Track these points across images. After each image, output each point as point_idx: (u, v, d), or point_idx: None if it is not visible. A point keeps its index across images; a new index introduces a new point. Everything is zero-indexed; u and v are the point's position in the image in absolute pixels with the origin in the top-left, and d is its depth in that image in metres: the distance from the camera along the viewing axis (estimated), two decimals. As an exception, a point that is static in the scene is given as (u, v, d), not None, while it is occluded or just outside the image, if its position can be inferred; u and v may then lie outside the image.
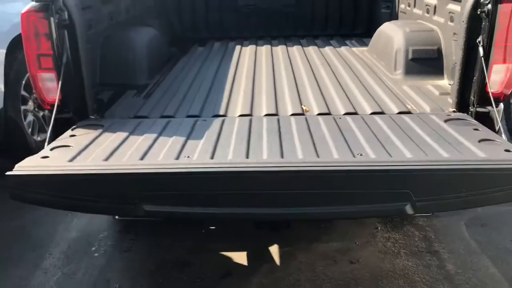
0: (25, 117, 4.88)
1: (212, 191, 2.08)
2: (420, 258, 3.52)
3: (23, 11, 2.63)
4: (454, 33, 3.28)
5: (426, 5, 3.93)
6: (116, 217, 2.74)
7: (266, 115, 2.88)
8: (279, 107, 3.00)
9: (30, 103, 5.02)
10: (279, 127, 2.61)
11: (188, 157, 2.21)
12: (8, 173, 2.08)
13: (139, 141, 2.43)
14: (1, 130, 4.45)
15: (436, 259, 3.48)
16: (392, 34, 3.77)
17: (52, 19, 2.59)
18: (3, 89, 4.43)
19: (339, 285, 3.26)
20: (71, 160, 2.19)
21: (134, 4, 4.36)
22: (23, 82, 4.82)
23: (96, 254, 3.62)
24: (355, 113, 2.87)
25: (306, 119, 2.75)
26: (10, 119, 4.56)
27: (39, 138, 5.08)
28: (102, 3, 3.54)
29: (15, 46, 4.63)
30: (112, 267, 3.48)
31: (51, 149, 2.34)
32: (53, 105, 2.74)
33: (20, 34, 4.64)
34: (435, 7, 3.76)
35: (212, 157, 2.20)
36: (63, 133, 2.65)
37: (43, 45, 2.64)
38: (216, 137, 2.48)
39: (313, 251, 3.62)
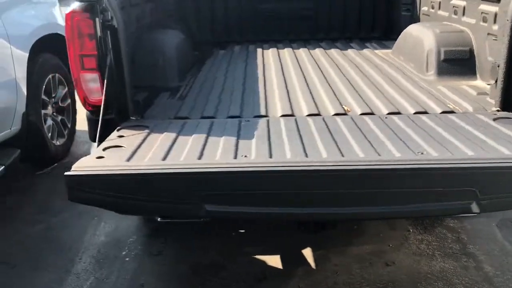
0: (45, 121, 4.84)
1: (273, 190, 2.05)
2: (456, 260, 3.49)
3: (67, 12, 2.60)
4: (489, 34, 3.28)
5: (454, 6, 3.93)
6: (159, 219, 2.68)
7: (309, 115, 2.85)
8: (319, 107, 2.98)
9: (49, 107, 4.98)
10: (327, 126, 2.58)
11: (246, 156, 2.17)
12: (67, 173, 2.03)
13: (190, 141, 2.39)
14: (24, 135, 4.40)
15: (473, 261, 3.45)
16: (422, 36, 3.76)
17: (97, 19, 2.56)
18: (25, 93, 4.38)
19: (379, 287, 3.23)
20: (128, 160, 2.15)
21: (157, 8, 4.34)
22: (43, 86, 4.78)
23: (127, 259, 3.57)
24: (399, 113, 2.85)
25: (352, 119, 2.73)
26: (32, 123, 4.52)
27: (58, 143, 5.04)
28: (131, 5, 3.52)
29: (36, 49, 4.59)
30: (145, 271, 3.43)
31: (104, 150, 2.30)
32: (95, 106, 2.71)
33: (41, 38, 4.70)
34: (464, 8, 3.76)
35: (270, 156, 2.17)
36: (105, 134, 2.61)
37: (87, 45, 2.61)
38: (267, 136, 2.45)
39: (347, 254, 3.59)
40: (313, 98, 3.15)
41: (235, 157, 2.16)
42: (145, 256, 3.60)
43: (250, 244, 3.70)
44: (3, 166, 4.00)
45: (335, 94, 3.23)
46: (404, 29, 4.61)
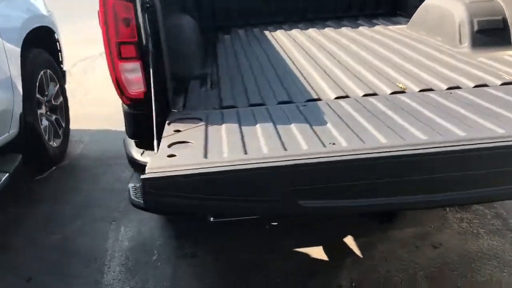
0: (41, 121, 4.47)
1: (377, 179, 1.84)
2: (502, 236, 3.40)
3: (100, -5, 2.30)
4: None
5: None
6: (211, 219, 2.44)
7: (366, 95, 2.66)
8: (371, 87, 2.78)
9: (43, 106, 4.60)
10: (401, 107, 2.39)
11: (334, 144, 1.96)
12: (144, 176, 1.77)
13: (259, 131, 2.16)
14: (23, 138, 4.03)
15: (520, 236, 3.37)
16: (450, 7, 3.61)
17: (137, 1, 2.27)
18: (21, 92, 4.00)
19: (432, 272, 3.09)
20: (205, 157, 1.90)
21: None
22: (37, 83, 4.40)
23: (159, 263, 3.31)
24: (458, 87, 2.69)
25: (418, 96, 2.55)
26: (29, 125, 4.14)
27: (55, 144, 4.67)
28: None
29: (27, 43, 4.20)
30: (182, 275, 3.18)
31: (169, 146, 2.04)
32: (134, 100, 2.43)
33: (32, 30, 4.31)
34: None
35: (364, 142, 1.96)
36: (146, 129, 2.35)
37: (125, 31, 2.31)
38: (340, 120, 2.24)
39: (391, 239, 3.44)
40: (358, 78, 2.95)
41: (324, 146, 1.94)
42: (179, 259, 3.35)
43: (287, 238, 3.49)
44: (7, 174, 3.64)
45: (378, 73, 3.03)
46: (413, 3, 4.46)
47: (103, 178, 4.45)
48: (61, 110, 4.97)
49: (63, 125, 4.97)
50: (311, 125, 2.18)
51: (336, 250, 3.37)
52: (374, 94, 2.65)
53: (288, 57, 3.56)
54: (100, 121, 5.73)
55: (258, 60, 3.50)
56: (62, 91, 5.02)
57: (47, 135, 4.51)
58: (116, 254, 3.42)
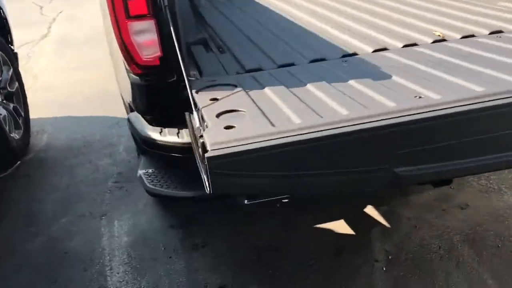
0: (-2, 111, 3.89)
1: (484, 132, 1.55)
2: (526, 190, 3.26)
3: None
4: None
5: None
6: (246, 201, 2.10)
7: (405, 46, 2.36)
8: (408, 37, 2.48)
9: (-2, 93, 4.02)
10: (458, 53, 2.11)
11: (420, 97, 1.65)
12: (209, 155, 1.39)
13: (317, 91, 1.82)
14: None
15: (543, 188, 3.24)
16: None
17: None
18: (-24, 77, 3.42)
19: (468, 235, 2.90)
20: (273, 125, 1.54)
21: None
22: (-11, 67, 3.81)
23: (170, 257, 2.92)
24: (500, 31, 2.44)
25: (463, 43, 2.28)
26: (-13, 115, 3.58)
27: (16, 136, 4.11)
28: None
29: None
30: (197, 268, 2.82)
31: (217, 117, 1.66)
32: (147, 68, 2.01)
33: None
34: None
35: (454, 92, 1.66)
36: (163, 102, 1.96)
37: (132, -18, 1.88)
38: (403, 71, 1.93)
39: (414, 205, 3.22)
40: (388, 30, 2.63)
41: (411, 100, 1.62)
42: (189, 250, 2.97)
43: (302, 214, 3.19)
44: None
45: (407, 25, 2.73)
46: None
47: (80, 169, 3.96)
48: (18, 97, 4.37)
49: (22, 114, 4.39)
50: (373, 79, 1.86)
51: (359, 222, 3.10)
52: (415, 44, 2.36)
53: (291, 16, 3.20)
54: (57, 107, 5.17)
55: (259, 22, 3.12)
56: (17, 76, 4.42)
57: (7, 126, 3.93)
58: (116, 253, 3.00)
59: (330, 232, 3.04)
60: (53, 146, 4.39)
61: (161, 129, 2.09)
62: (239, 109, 1.70)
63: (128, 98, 2.24)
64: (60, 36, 8.10)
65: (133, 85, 2.09)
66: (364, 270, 2.71)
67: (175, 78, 2.03)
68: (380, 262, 2.76)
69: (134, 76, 2.07)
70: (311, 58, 2.29)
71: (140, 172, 2.31)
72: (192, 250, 2.97)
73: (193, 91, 1.93)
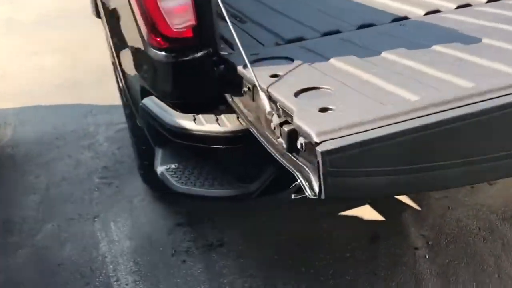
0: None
1: None
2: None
3: None
4: None
5: None
6: (293, 196, 1.78)
7: (460, 7, 2.07)
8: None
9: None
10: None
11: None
12: (322, 148, 1.04)
13: (408, 60, 1.50)
14: None
15: None
16: None
17: None
18: None
19: (505, 213, 2.71)
20: (383, 105, 1.21)
21: None
22: None
23: (184, 261, 2.56)
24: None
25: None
26: None
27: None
28: None
29: None
30: (219, 271, 2.48)
31: (296, 95, 1.31)
32: (178, 41, 1.62)
33: None
34: None
35: None
36: (196, 83, 1.59)
37: None
38: (491, 34, 1.64)
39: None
40: None
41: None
42: (205, 252, 2.62)
43: (325, 206, 2.89)
44: None
45: None
46: None
47: (58, 165, 3.49)
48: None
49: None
50: (463, 43, 1.55)
51: (388, 207, 2.84)
52: (468, 5, 2.07)
53: None
54: (18, 97, 4.60)
55: None
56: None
57: (-33, 121, 3.40)
58: (119, 260, 2.60)
59: (358, 220, 2.76)
60: (21, 141, 3.87)
61: (194, 116, 1.71)
62: (322, 86, 1.36)
63: (145, 80, 1.84)
64: (5, 18, 7.34)
65: (157, 63, 1.69)
66: (406, 259, 2.46)
67: (209, 52, 1.65)
68: (420, 249, 2.51)
69: (158, 52, 1.67)
70: (357, 24, 1.96)
71: (161, 168, 1.93)
72: (208, 251, 2.62)
73: (239, 67, 1.57)
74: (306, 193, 1.18)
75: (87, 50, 5.31)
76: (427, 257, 2.46)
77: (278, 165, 1.70)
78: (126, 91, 2.36)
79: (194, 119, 1.69)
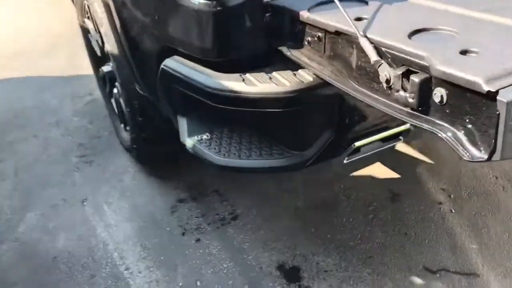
0: None
1: None
2: None
3: None
4: None
5: None
6: (345, 159, 1.61)
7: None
8: None
9: None
10: None
11: None
12: (506, 99, 0.84)
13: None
14: None
15: None
16: None
17: None
18: None
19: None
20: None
21: None
22: None
23: (198, 240, 2.34)
24: None
25: None
26: None
27: None
28: None
29: None
30: (240, 246, 2.29)
31: (410, 36, 1.09)
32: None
33: None
34: None
35: None
36: (251, 33, 1.35)
37: None
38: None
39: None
40: None
41: None
42: (218, 228, 2.41)
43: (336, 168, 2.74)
44: None
45: None
46: None
47: (25, 146, 3.09)
48: None
49: None
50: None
51: (400, 164, 2.73)
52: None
53: None
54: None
55: None
56: None
57: None
58: (124, 247, 2.33)
59: (373, 179, 2.63)
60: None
61: (242, 76, 1.45)
62: (440, 28, 1.15)
63: (170, 37, 1.54)
64: None
65: (193, 13, 1.40)
66: (432, 216, 2.36)
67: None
68: (444, 204, 2.43)
69: (201, 1, 1.38)
70: None
71: (191, 140, 1.66)
72: (222, 226, 2.40)
73: (302, 12, 1.33)
74: (463, 156, 0.99)
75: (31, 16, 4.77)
76: (453, 211, 2.38)
77: (333, 127, 1.51)
78: (122, 55, 2.03)
79: (244, 80, 1.44)
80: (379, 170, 2.65)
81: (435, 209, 2.40)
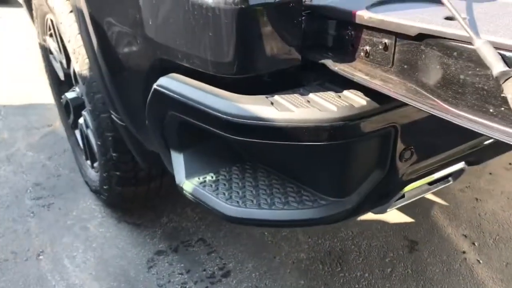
0: None
1: None
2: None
3: None
4: None
5: None
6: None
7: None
8: None
9: None
10: None
11: None
12: None
13: None
14: None
15: None
16: None
17: None
18: None
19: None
20: None
21: None
22: None
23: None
24: None
25: None
26: None
27: None
28: None
29: None
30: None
31: None
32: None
33: None
34: None
35: None
36: (286, 40, 1.01)
37: None
38: None
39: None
40: None
41: None
42: (208, 286, 1.98)
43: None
44: None
45: None
46: None
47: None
48: None
49: None
50: None
51: (410, 207, 2.40)
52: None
53: None
54: None
55: None
56: None
57: None
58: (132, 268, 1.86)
59: (385, 225, 2.29)
60: None
61: (270, 99, 1.08)
62: None
63: (172, 46, 1.17)
64: None
65: (209, 11, 1.02)
66: (458, 267, 2.03)
67: (298, -5, 1.04)
68: (468, 253, 2.11)
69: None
70: None
71: (190, 183, 1.27)
72: (211, 285, 1.98)
73: (360, 12, 0.99)
74: None
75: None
76: (480, 261, 2.06)
77: (385, 167, 1.16)
78: (97, 75, 1.63)
79: (272, 103, 1.07)
80: (388, 215, 2.31)
81: (460, 259, 2.07)
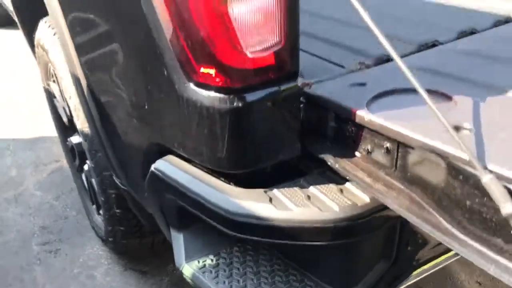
0: None
1: None
2: None
3: None
4: None
5: None
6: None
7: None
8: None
9: None
10: None
11: None
12: None
13: None
14: None
15: None
16: None
17: None
18: None
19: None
20: None
21: None
22: None
23: None
24: None
25: None
26: None
27: None
28: None
29: None
30: None
31: None
32: (254, 73, 0.95)
33: None
34: None
35: None
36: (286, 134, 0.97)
37: None
38: None
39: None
40: None
41: None
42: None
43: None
44: None
45: None
46: None
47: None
48: None
49: None
50: None
51: None
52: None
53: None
54: None
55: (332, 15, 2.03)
56: None
57: None
58: None
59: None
60: None
61: (268, 194, 1.04)
62: None
63: (167, 136, 1.13)
64: None
65: (203, 110, 0.98)
66: (472, 320, 1.96)
67: (297, 89, 0.99)
68: None
69: (208, 92, 0.97)
70: (456, 31, 1.40)
71: (190, 267, 1.23)
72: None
73: (359, 112, 0.94)
74: None
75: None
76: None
77: (390, 258, 1.11)
78: (97, 139, 1.60)
79: (270, 199, 1.03)
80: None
81: (476, 311, 2.00)
